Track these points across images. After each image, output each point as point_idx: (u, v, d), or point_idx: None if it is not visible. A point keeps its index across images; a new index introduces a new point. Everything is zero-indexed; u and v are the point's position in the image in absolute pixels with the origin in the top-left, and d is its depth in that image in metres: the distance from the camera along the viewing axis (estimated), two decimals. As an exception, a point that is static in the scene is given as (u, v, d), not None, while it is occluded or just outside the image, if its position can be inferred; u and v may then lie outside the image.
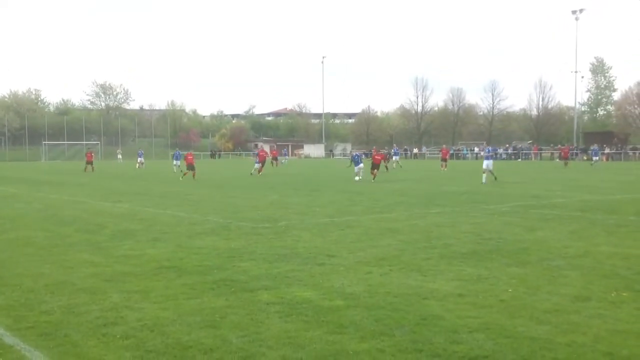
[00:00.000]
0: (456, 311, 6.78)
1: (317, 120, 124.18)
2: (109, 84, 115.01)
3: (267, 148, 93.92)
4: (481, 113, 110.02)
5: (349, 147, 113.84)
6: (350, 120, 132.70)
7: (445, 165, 45.14)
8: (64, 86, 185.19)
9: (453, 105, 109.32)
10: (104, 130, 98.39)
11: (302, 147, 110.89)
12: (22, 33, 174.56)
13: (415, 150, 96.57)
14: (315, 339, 5.83)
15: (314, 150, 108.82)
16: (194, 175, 33.55)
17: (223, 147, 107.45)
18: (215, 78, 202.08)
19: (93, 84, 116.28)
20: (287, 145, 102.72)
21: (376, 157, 33.45)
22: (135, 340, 5.81)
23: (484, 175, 29.97)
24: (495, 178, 30.28)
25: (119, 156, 76.64)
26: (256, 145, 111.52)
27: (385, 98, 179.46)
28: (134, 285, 8.08)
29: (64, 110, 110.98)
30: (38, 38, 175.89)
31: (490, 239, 11.99)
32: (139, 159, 54.00)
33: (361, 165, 33.07)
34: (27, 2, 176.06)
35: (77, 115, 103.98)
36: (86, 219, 15.46)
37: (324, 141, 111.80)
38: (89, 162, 45.35)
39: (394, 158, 51.32)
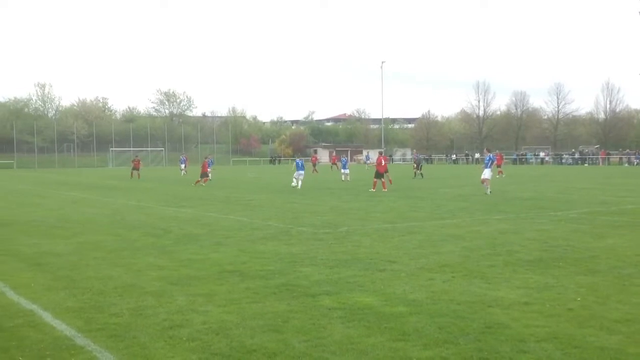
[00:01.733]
0: (522, 320, 6.62)
1: (377, 126, 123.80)
2: (173, 92, 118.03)
3: (326, 154, 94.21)
4: (545, 117, 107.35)
5: (408, 152, 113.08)
6: (409, 125, 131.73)
7: (501, 171, 41.02)
8: (130, 94, 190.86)
9: (516, 109, 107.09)
10: (168, 137, 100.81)
11: (361, 152, 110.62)
12: (90, 42, 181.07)
13: (477, 155, 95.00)
14: (377, 346, 5.80)
15: (373, 156, 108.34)
16: (205, 181, 34.18)
17: (282, 153, 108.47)
18: (276, 84, 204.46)
19: (157, 91, 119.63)
20: (347, 151, 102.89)
21: (380, 164, 28.14)
22: (201, 343, 5.91)
23: (488, 186, 25.48)
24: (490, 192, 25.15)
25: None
26: (315, 151, 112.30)
27: (446, 102, 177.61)
28: (198, 288, 8.23)
29: (130, 117, 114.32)
30: (106, 47, 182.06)
31: (557, 246, 11.67)
32: (182, 166, 52.72)
33: (301, 172, 30.83)
34: (94, 12, 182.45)
35: (142, 123, 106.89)
36: (152, 224, 15.86)
37: (383, 146, 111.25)
38: (136, 169, 45.77)
39: (342, 171, 40.40)
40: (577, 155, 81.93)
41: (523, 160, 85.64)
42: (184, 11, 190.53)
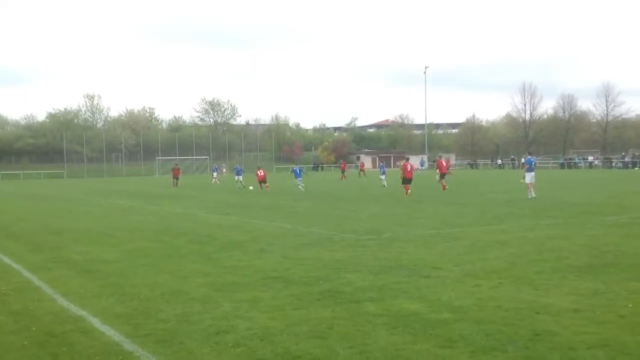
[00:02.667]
0: (572, 327, 6.46)
1: (420, 131, 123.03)
2: (217, 101, 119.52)
3: (368, 160, 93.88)
4: (594, 120, 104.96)
5: (452, 157, 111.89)
6: (453, 130, 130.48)
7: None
8: (176, 104, 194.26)
9: (564, 112, 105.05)
10: (213, 146, 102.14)
11: (404, 158, 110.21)
12: (137, 53, 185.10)
13: (523, 160, 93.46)
14: (423, 353, 5.73)
15: (416, 162, 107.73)
16: (267, 187, 36.75)
17: (325, 160, 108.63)
18: (319, 91, 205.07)
19: (202, 100, 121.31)
20: (389, 157, 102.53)
21: (406, 170, 28.88)
22: (246, 349, 5.95)
23: (530, 191, 24.96)
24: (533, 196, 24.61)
25: (224, 169, 79.63)
26: (358, 158, 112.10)
27: (491, 106, 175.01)
28: (243, 295, 8.29)
29: (176, 127, 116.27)
30: (153, 58, 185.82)
31: (608, 251, 11.37)
32: (214, 174, 53.71)
33: (240, 177, 36.57)
34: (141, 25, 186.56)
35: (188, 132, 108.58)
36: (197, 231, 16.07)
37: (426, 152, 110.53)
38: (175, 177, 46.09)
39: (380, 177, 40.71)
40: (627, 159, 79.73)
41: (571, 164, 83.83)
42: (228, 21, 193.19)
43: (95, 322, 7.04)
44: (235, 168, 44.70)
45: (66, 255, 12.35)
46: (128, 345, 6.14)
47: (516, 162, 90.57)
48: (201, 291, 8.59)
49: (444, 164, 33.52)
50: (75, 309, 7.70)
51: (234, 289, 8.69)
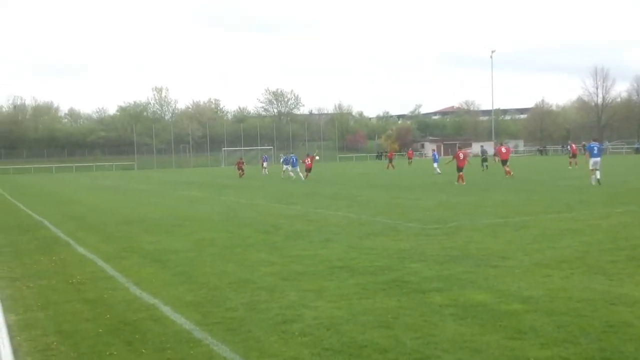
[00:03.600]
0: (649, 319, 6.21)
1: (486, 118, 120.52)
2: (281, 91, 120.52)
3: (431, 148, 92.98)
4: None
5: (521, 144, 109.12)
6: (522, 116, 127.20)
7: (576, 162, 40.11)
8: (240, 95, 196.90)
9: (638, 95, 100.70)
10: (277, 136, 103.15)
11: (470, 145, 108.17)
12: (202, 46, 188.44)
13: (607, 144, 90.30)
14: (492, 344, 5.63)
15: (490, 148, 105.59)
16: (306, 177, 37.97)
17: (389, 148, 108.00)
18: (382, 79, 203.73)
19: (266, 91, 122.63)
20: (454, 145, 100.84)
21: (459, 158, 29.76)
22: (313, 338, 5.99)
23: (593, 176, 24.97)
24: (599, 182, 24.66)
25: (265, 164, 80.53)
26: (422, 145, 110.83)
27: (561, 91, 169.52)
28: (308, 284, 8.35)
29: (241, 118, 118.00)
30: (217, 50, 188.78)
31: (687, 240, 10.86)
32: (264, 164, 52.77)
33: (289, 167, 38.52)
34: (204, 20, 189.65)
35: (252, 122, 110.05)
36: (262, 221, 16.27)
37: (493, 139, 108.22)
38: (241, 169, 46.45)
39: (434, 165, 41.60)
40: None
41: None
42: (293, 11, 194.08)
43: (167, 311, 7.23)
44: (286, 158, 42.78)
45: (137, 245, 12.74)
46: (198, 333, 6.29)
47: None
48: (268, 280, 8.70)
49: (504, 150, 33.55)
50: (147, 298, 7.93)
51: (299, 278, 8.76)
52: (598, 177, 24.85)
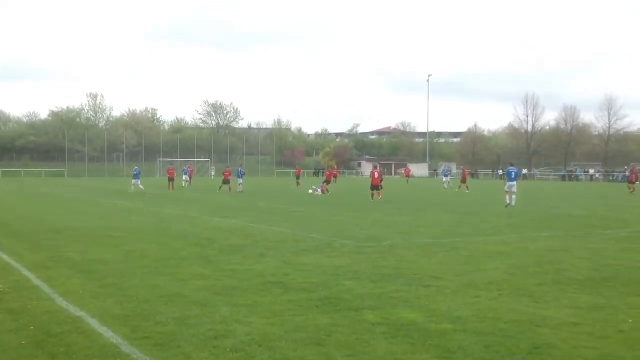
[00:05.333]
0: (571, 341, 6.43)
1: (422, 140, 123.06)
2: (220, 103, 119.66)
3: (369, 167, 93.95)
4: (596, 133, 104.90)
5: (454, 166, 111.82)
6: (455, 140, 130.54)
7: (467, 187, 44.83)
8: (178, 105, 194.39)
9: (566, 124, 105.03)
10: (214, 148, 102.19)
11: (405, 166, 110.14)
12: (140, 54, 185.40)
13: (525, 171, 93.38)
14: (422, 363, 5.71)
15: (418, 170, 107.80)
16: (230, 189, 39.57)
17: (327, 166, 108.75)
18: (321, 97, 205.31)
19: (205, 103, 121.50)
20: (390, 165, 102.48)
21: (374, 178, 32.11)
22: (245, 354, 5.92)
23: (507, 197, 26.79)
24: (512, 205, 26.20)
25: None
26: (359, 164, 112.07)
27: (493, 117, 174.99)
28: (242, 299, 8.26)
29: (178, 128, 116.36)
30: (156, 59, 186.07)
31: (608, 265, 11.34)
32: (184, 177, 51.08)
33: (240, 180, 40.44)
34: (143, 26, 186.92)
35: (190, 134, 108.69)
36: (197, 233, 16.04)
37: (428, 160, 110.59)
38: (172, 179, 44.75)
39: (444, 179, 52.53)
40: (628, 173, 79.66)
41: (572, 177, 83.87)
42: (233, 24, 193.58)
43: (94, 323, 7.01)
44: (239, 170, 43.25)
45: (65, 254, 12.32)
46: (126, 348, 6.11)
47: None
48: (200, 295, 8.56)
49: (376, 175, 33.29)
50: (73, 309, 7.66)
51: (233, 293, 8.66)
52: (513, 202, 26.53)
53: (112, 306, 7.87)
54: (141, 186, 40.21)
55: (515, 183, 27.28)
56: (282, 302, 8.09)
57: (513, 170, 28.00)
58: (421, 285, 9.34)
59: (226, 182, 40.40)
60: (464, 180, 46.19)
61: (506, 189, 27.37)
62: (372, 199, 31.16)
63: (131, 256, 12.12)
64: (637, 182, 43.12)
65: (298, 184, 51.95)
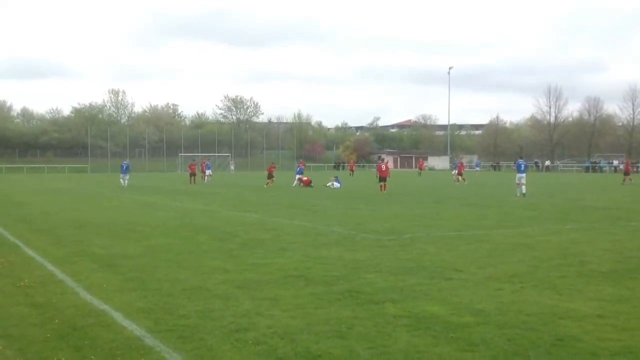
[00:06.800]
0: (595, 333, 6.37)
1: (442, 132, 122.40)
2: (240, 98, 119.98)
3: (390, 160, 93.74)
4: (620, 124, 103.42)
5: (475, 159, 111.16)
6: (477, 132, 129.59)
7: (464, 178, 44.12)
8: (199, 101, 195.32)
9: (589, 115, 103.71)
10: (235, 143, 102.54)
11: (426, 159, 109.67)
12: (162, 51, 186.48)
13: (547, 163, 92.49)
14: (444, 356, 5.69)
15: (439, 162, 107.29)
16: (194, 181, 42.63)
17: (347, 159, 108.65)
18: (342, 90, 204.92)
19: (225, 98, 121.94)
20: (411, 158, 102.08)
21: (381, 170, 33.14)
22: (267, 347, 5.95)
23: (518, 189, 28.69)
24: (524, 194, 28.19)
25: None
26: (379, 157, 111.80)
27: (515, 108, 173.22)
28: (264, 292, 8.30)
29: (199, 123, 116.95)
30: (176, 55, 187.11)
31: (632, 257, 11.21)
32: (207, 171, 49.70)
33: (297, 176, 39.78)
34: (164, 23, 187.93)
35: (210, 129, 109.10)
36: (219, 228, 16.14)
37: (448, 153, 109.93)
38: (193, 174, 45.11)
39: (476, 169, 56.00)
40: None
41: (596, 168, 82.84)
42: (253, 19, 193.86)
43: (117, 317, 7.09)
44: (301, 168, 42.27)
45: (89, 249, 12.47)
46: (149, 340, 6.18)
47: (540, 165, 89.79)
48: (222, 288, 8.62)
49: (383, 167, 34.04)
50: (97, 303, 7.76)
51: (255, 286, 8.71)
52: (523, 191, 28.26)
53: (136, 299, 7.95)
54: (122, 181, 40.43)
55: (524, 175, 28.87)
56: (303, 295, 8.11)
57: (522, 162, 29.61)
58: (443, 278, 9.31)
59: (270, 176, 38.92)
60: (460, 173, 44.81)
61: (517, 180, 28.88)
62: (381, 191, 31.67)
63: (154, 250, 12.23)
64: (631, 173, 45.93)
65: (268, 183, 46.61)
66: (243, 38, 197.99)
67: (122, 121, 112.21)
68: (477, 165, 72.89)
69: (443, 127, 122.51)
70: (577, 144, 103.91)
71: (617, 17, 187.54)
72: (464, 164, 51.37)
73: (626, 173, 45.13)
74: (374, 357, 5.64)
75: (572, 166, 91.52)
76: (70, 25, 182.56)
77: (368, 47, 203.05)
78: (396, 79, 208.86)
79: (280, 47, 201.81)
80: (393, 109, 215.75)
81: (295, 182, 40.36)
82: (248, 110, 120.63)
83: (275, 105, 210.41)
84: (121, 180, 40.93)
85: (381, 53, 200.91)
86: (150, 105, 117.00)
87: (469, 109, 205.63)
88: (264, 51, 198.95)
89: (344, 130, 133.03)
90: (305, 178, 40.62)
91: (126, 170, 41.57)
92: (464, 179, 43.81)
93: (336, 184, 38.99)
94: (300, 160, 48.39)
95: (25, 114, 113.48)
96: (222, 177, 51.78)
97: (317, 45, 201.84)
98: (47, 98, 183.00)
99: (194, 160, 52.65)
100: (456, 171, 45.68)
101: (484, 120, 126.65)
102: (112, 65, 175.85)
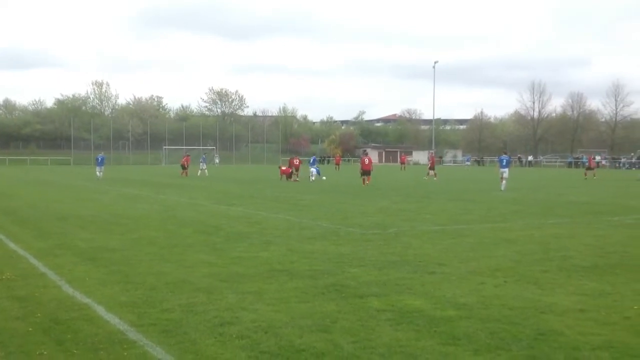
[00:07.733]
0: (577, 327, 6.44)
1: (427, 127, 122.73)
2: (225, 91, 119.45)
3: (374, 155, 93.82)
4: (603, 119, 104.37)
5: (459, 154, 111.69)
6: (461, 127, 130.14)
7: (435, 173, 43.76)
8: (184, 93, 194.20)
9: (572, 110, 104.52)
10: (220, 136, 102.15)
11: (410, 153, 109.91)
12: (146, 43, 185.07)
13: (530, 158, 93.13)
14: (427, 349, 5.73)
15: (423, 157, 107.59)
16: (187, 174, 43.58)
17: (332, 153, 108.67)
18: (327, 84, 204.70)
19: (210, 90, 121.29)
20: (396, 152, 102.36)
21: (364, 164, 33.43)
22: (250, 341, 5.95)
23: (502, 183, 29.66)
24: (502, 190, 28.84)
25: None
26: (364, 151, 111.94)
27: (500, 103, 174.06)
28: (248, 286, 8.29)
29: (183, 116, 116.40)
30: (161, 47, 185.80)
31: (614, 252, 11.33)
32: (200, 165, 49.89)
33: (312, 169, 39.35)
34: (149, 14, 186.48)
35: (195, 122, 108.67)
36: (203, 221, 16.08)
37: (433, 148, 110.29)
38: (184, 167, 46.50)
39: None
40: (634, 160, 79.41)
41: (579, 163, 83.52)
42: (239, 12, 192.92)
43: (100, 310, 7.05)
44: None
45: (72, 242, 12.38)
46: (132, 334, 6.15)
47: (523, 160, 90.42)
48: (206, 281, 8.60)
49: (366, 161, 34.01)
50: (80, 297, 7.71)
51: (239, 280, 8.70)
52: (503, 187, 29.15)
53: (119, 293, 7.91)
54: (98, 173, 41.10)
55: (507, 169, 30.10)
56: (287, 289, 8.12)
57: (504, 157, 31.00)
58: (426, 272, 9.36)
59: (291, 174, 38.73)
60: (432, 167, 44.33)
61: (500, 175, 30.15)
62: (364, 184, 32.28)
63: (137, 243, 12.17)
64: (595, 168, 47.72)
65: (185, 173, 46.62)
66: (229, 30, 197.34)
67: (106, 113, 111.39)
68: (467, 160, 73.80)
69: (428, 122, 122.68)
70: (561, 139, 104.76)
71: (602, 14, 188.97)
72: (435, 158, 52.48)
73: (589, 168, 46.32)
74: (358, 351, 5.66)
75: (555, 161, 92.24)
76: (54, 15, 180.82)
77: (355, 41, 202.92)
78: (383, 73, 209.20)
79: (265, 40, 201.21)
80: (379, 103, 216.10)
81: (313, 175, 39.33)
82: (233, 104, 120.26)
83: (261, 98, 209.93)
84: (97, 173, 41.27)
85: (368, 47, 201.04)
86: (135, 98, 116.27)
87: (454, 104, 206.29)
88: (250, 44, 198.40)
89: (329, 124, 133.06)
90: (284, 168, 40.33)
91: (101, 162, 42.38)
92: (434, 174, 43.19)
93: (313, 170, 39.23)
94: (294, 155, 48.42)
95: (8, 106, 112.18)
96: (208, 170, 51.50)
97: (303, 38, 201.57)
98: (29, 90, 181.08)
99: (188, 153, 52.96)
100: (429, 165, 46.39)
101: (468, 115, 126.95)
102: (96, 57, 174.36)
